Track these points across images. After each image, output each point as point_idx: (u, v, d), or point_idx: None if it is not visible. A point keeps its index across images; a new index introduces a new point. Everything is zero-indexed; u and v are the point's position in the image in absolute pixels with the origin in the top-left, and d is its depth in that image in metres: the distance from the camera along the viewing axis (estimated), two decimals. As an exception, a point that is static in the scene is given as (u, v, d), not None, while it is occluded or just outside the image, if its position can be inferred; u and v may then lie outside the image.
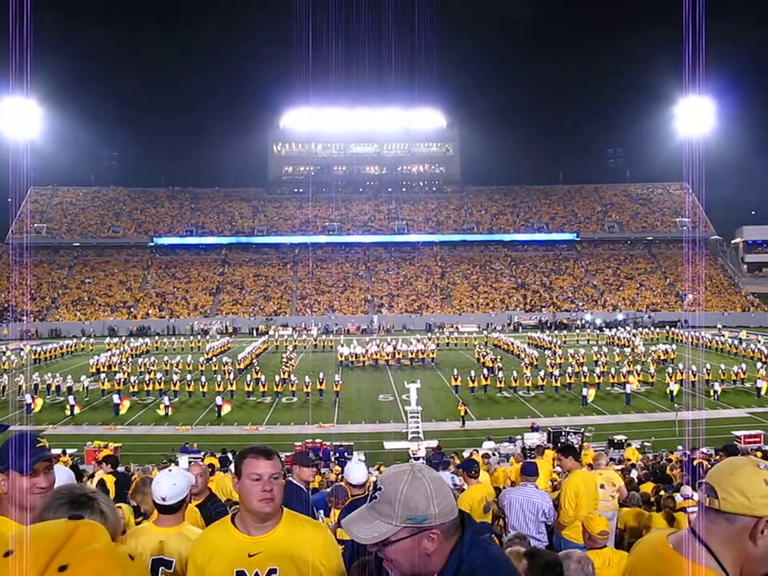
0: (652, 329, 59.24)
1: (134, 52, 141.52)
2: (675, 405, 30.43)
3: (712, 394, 32.53)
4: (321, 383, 34.95)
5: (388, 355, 45.06)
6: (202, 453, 21.32)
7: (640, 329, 59.36)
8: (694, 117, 73.11)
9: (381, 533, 1.71)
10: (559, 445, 15.37)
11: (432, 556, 1.74)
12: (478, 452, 18.65)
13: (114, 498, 6.52)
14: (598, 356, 41.40)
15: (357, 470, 5.65)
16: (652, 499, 9.03)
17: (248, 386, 35.46)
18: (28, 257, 76.20)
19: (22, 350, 48.15)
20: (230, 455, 20.91)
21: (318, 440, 24.73)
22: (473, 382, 35.28)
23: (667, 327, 58.80)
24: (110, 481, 7.85)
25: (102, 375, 37.81)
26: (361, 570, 2.26)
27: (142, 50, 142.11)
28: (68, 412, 31.33)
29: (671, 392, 32.67)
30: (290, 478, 5.37)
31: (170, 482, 3.58)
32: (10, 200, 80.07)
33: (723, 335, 50.79)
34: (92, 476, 10.33)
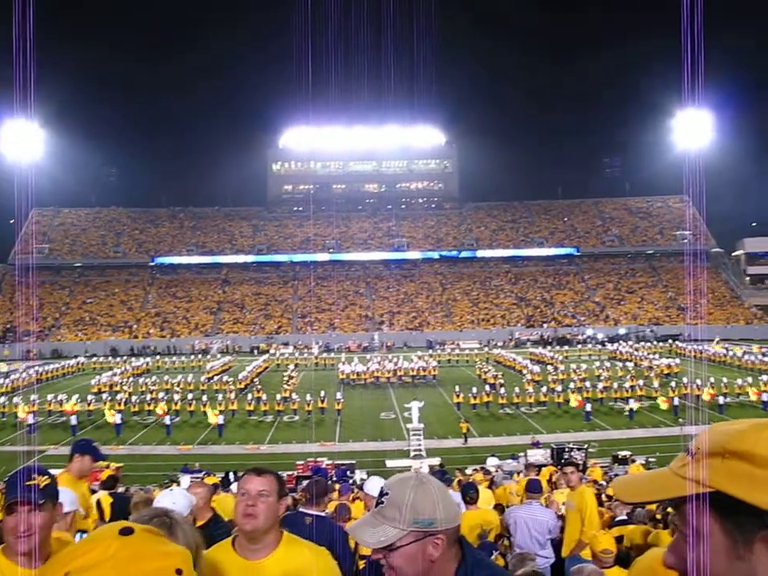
0: (654, 343, 59.09)
1: (134, 73, 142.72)
2: (679, 419, 30.26)
3: (716, 407, 32.38)
4: (322, 401, 34.80)
5: (389, 373, 44.87)
6: (203, 473, 21.18)
7: (642, 343, 59.21)
8: (693, 129, 73.37)
9: (387, 537, 1.70)
10: (563, 461, 15.27)
11: (436, 564, 1.74)
12: (484, 469, 18.50)
13: (109, 520, 6.43)
14: (600, 371, 41.25)
15: (381, 484, 5.49)
16: (658, 516, 8.94)
17: (249, 404, 35.31)
18: (31, 277, 76.25)
19: (24, 370, 48.05)
20: (231, 475, 20.79)
21: (319, 459, 24.58)
22: (475, 398, 35.12)
23: (670, 341, 58.65)
24: (107, 502, 7.74)
25: (104, 395, 37.70)
26: None
27: (142, 72, 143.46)
28: (70, 432, 31.22)
29: (675, 407, 32.50)
30: (318, 513, 4.83)
31: (170, 502, 3.55)
32: (12, 221, 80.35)
33: (726, 348, 50.57)
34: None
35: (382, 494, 1.79)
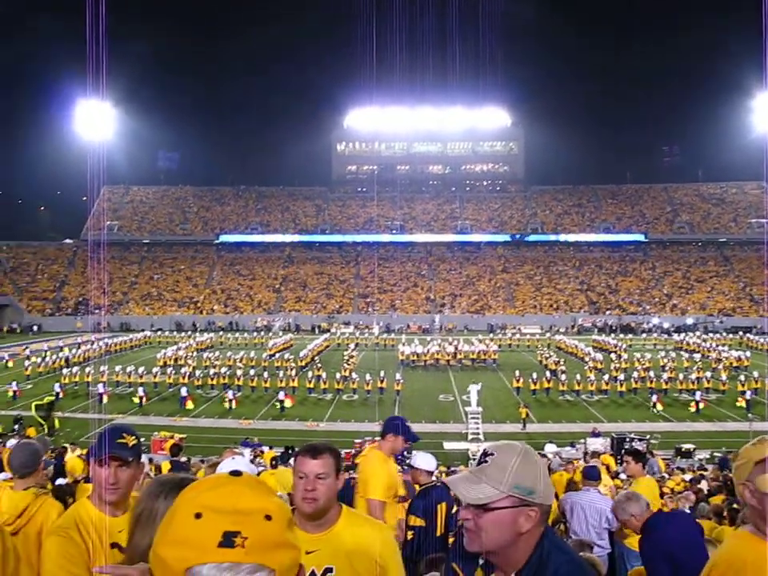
0: (724, 334, 57.18)
1: (202, 54, 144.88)
2: (749, 415, 29.25)
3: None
4: (381, 381, 34.96)
5: (449, 355, 44.75)
6: (262, 446, 21.66)
7: (711, 334, 57.35)
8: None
9: (486, 495, 1.70)
10: (623, 451, 14.97)
11: (522, 537, 1.72)
12: (541, 455, 18.32)
13: None
14: (665, 361, 40.15)
15: (429, 458, 5.86)
16: (724, 513, 8.65)
17: (309, 382, 35.78)
18: (102, 253, 78.93)
19: (94, 341, 49.87)
20: (290, 451, 21.15)
21: (377, 438, 24.74)
22: (535, 384, 34.74)
23: (741, 333, 56.61)
24: (165, 468, 8.07)
25: (169, 368, 38.81)
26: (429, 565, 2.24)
27: (210, 53, 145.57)
28: (137, 401, 32.34)
29: (748, 401, 31.34)
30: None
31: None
32: (85, 198, 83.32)
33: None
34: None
35: (486, 453, 1.79)
